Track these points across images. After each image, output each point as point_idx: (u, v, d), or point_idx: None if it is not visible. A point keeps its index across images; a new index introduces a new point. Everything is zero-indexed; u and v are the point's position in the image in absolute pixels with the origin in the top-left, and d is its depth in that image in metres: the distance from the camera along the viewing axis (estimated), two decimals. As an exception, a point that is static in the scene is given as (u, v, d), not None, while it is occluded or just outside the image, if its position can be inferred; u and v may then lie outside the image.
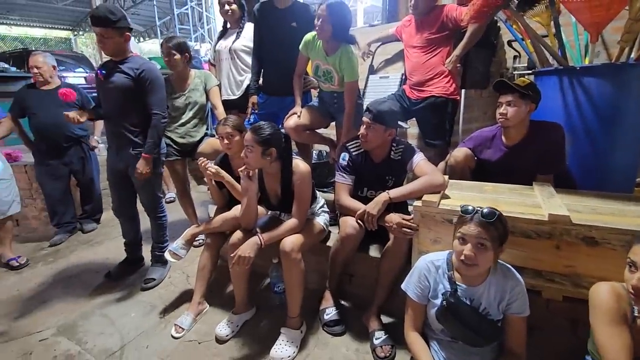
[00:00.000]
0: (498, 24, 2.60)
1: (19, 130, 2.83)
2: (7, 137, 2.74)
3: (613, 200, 1.53)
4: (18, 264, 2.51)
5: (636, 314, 1.06)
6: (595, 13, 1.72)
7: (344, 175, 1.79)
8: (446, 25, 2.06)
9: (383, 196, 1.61)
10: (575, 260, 1.33)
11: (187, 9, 11.15)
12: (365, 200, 1.73)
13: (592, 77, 1.81)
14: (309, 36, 2.08)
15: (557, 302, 1.41)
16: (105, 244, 2.87)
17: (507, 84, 1.72)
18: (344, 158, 1.81)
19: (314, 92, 2.62)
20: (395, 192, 1.62)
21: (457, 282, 1.27)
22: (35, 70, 2.72)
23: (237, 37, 2.52)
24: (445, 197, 1.59)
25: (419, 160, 1.72)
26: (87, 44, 18.87)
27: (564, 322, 1.47)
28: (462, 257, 1.17)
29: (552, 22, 1.98)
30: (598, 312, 1.09)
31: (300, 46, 2.12)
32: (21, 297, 2.16)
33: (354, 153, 1.80)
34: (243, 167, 1.65)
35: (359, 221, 1.67)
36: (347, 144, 1.84)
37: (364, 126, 1.70)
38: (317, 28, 1.93)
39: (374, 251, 1.86)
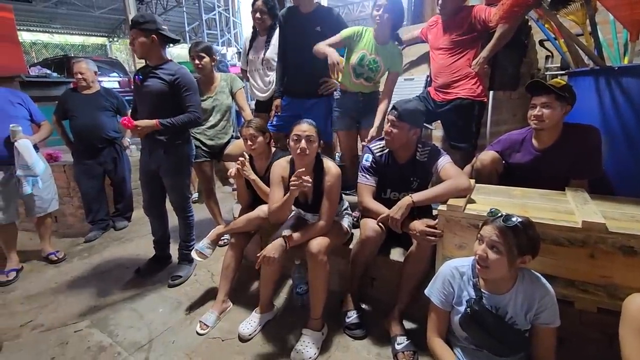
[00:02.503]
0: (529, 23, 2.51)
1: (61, 131, 3.01)
2: (48, 138, 2.91)
3: (654, 207, 1.45)
4: (57, 258, 2.66)
5: None
6: (635, 10, 1.63)
7: (367, 176, 1.79)
8: (474, 27, 2.01)
9: (406, 200, 1.59)
10: (612, 270, 1.26)
11: (214, 15, 11.46)
12: (388, 202, 1.72)
13: (632, 77, 1.71)
14: (357, 28, 2.14)
15: (591, 314, 1.34)
16: (135, 241, 2.99)
17: (542, 85, 1.65)
18: (367, 159, 1.80)
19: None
20: (418, 196, 1.59)
21: (482, 290, 1.24)
22: (80, 76, 2.91)
23: (267, 47, 2.56)
24: (472, 201, 1.55)
25: (445, 163, 1.68)
26: (121, 49, 19.81)
27: (599, 335, 1.39)
28: (476, 257, 1.18)
29: (587, 21, 1.90)
30: (629, 324, 1.06)
31: (344, 34, 2.13)
32: (59, 289, 2.29)
33: (377, 154, 1.79)
34: (299, 181, 1.56)
35: (380, 224, 1.66)
36: (371, 145, 1.83)
37: (389, 124, 1.69)
38: (377, 18, 2.00)
39: (396, 255, 1.84)
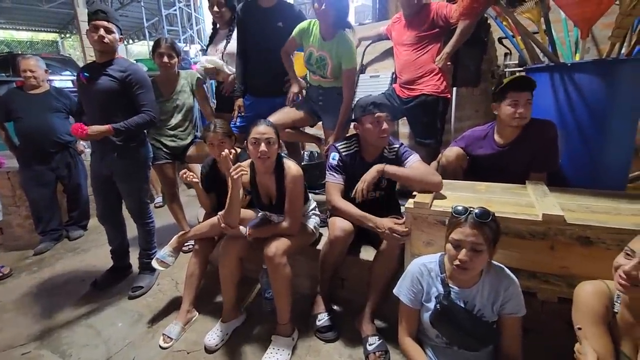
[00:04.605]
0: (488, 21, 2.58)
1: (4, 135, 2.75)
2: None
3: (606, 198, 1.51)
4: (1, 274, 2.42)
5: (615, 310, 1.07)
6: (585, 9, 1.69)
7: (335, 174, 1.75)
8: (436, 23, 2.03)
9: (378, 166, 1.62)
10: (570, 260, 1.30)
11: (175, 10, 11.00)
12: (356, 202, 1.70)
13: (584, 73, 1.79)
14: (304, 24, 2.07)
15: (552, 304, 1.39)
16: (92, 251, 2.79)
17: (529, 81, 1.66)
18: (334, 158, 1.77)
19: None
20: (390, 168, 1.62)
21: (450, 285, 1.24)
22: (29, 74, 2.67)
23: (228, 42, 2.46)
24: (438, 197, 1.56)
25: (415, 160, 1.69)
26: (74, 46, 18.62)
27: (560, 323, 1.44)
28: (457, 262, 1.13)
29: (542, 19, 1.96)
30: (581, 312, 1.09)
31: (294, 32, 2.09)
32: (3, 308, 2.08)
33: (343, 153, 1.77)
34: (237, 170, 1.55)
35: (348, 222, 1.64)
36: (337, 145, 1.80)
37: (383, 124, 1.64)
38: (318, 11, 1.90)
39: (366, 254, 1.83)
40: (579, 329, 1.07)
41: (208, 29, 11.08)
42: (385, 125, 1.65)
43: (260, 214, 1.87)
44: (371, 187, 1.65)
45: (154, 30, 13.69)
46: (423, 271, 1.28)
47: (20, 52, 7.66)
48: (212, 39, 2.58)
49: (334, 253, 1.70)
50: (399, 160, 1.72)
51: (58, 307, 2.06)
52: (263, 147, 1.56)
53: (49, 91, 2.78)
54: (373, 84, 2.67)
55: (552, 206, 1.35)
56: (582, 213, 1.34)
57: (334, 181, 1.75)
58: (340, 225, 1.64)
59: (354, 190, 1.65)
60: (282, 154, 1.74)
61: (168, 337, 1.71)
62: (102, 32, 1.83)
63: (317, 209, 1.93)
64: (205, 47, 2.70)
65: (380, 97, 1.75)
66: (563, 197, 1.51)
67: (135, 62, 2.09)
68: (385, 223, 1.53)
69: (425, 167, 1.65)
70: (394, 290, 1.34)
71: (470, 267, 1.13)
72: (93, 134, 1.82)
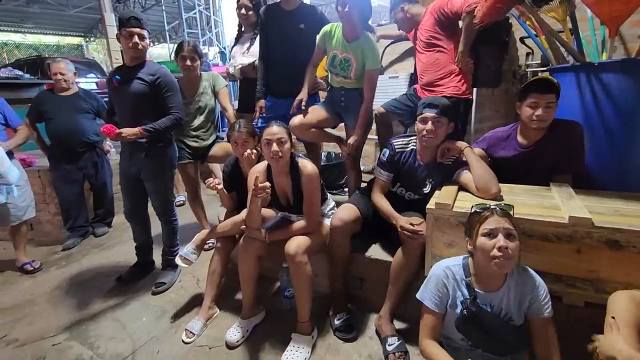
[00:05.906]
0: (510, 21, 2.54)
1: (36, 135, 2.86)
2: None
3: (636, 201, 1.47)
4: (32, 268, 2.53)
5: None
6: (614, 7, 1.65)
7: (382, 171, 1.79)
8: (441, 21, 2.02)
9: (464, 144, 1.66)
10: (598, 264, 1.27)
11: (195, 13, 11.24)
12: (394, 197, 1.73)
13: (611, 73, 1.74)
14: (326, 28, 2.09)
15: (578, 308, 1.36)
16: (116, 247, 2.88)
17: (551, 83, 1.61)
18: (384, 154, 1.79)
19: (322, 94, 2.60)
20: (471, 151, 1.63)
21: (475, 289, 1.22)
22: (60, 77, 2.78)
23: (252, 44, 2.51)
24: (460, 199, 1.54)
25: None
26: (98, 50, 19.25)
27: (587, 329, 1.40)
28: (496, 252, 1.10)
29: (567, 17, 1.92)
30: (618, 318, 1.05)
31: (318, 39, 2.12)
32: (34, 301, 2.18)
33: (397, 149, 1.76)
34: (261, 189, 1.55)
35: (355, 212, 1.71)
36: (393, 140, 1.80)
37: (430, 122, 1.61)
38: (342, 13, 1.90)
39: (385, 255, 1.83)
40: (613, 318, 1.04)
41: (227, 32, 11.28)
42: (429, 126, 1.60)
43: (279, 214, 1.90)
44: (443, 154, 1.69)
45: (174, 34, 14.00)
46: (448, 274, 1.26)
47: (47, 56, 7.96)
48: (237, 40, 2.63)
49: (335, 243, 1.74)
50: (455, 166, 1.69)
51: (85, 300, 2.14)
52: (275, 147, 1.60)
53: (77, 93, 2.89)
54: (392, 85, 2.67)
55: (578, 209, 1.32)
56: (610, 216, 1.31)
57: (379, 177, 1.80)
58: (340, 215, 1.70)
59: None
60: (299, 155, 1.77)
61: (191, 332, 1.75)
62: (136, 39, 1.91)
63: (335, 208, 1.94)
64: (223, 49, 2.75)
65: (431, 98, 1.70)
66: (589, 200, 1.48)
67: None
68: (401, 220, 1.53)
69: (492, 174, 1.58)
70: (417, 295, 1.31)
71: (510, 256, 1.10)
72: (125, 135, 1.89)
